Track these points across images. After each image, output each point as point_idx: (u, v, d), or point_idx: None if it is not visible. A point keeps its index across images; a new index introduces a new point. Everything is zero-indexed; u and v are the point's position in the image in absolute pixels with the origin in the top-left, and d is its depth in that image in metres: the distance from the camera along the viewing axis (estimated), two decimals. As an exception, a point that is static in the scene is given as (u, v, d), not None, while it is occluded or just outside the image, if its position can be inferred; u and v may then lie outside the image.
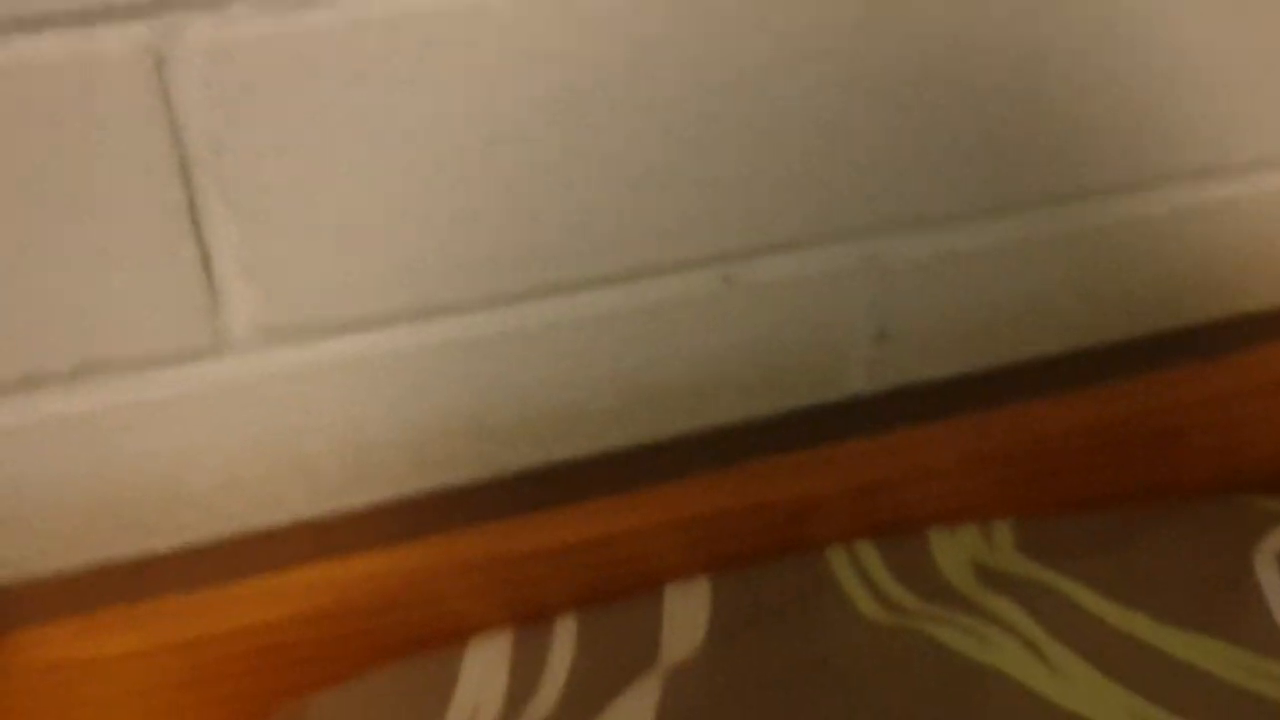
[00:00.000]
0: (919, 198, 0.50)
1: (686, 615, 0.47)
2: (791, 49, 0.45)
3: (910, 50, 0.47)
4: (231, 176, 0.42)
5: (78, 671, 0.44)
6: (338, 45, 0.41)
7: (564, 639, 0.46)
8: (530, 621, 0.48)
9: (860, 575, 0.49)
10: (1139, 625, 0.43)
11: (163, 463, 0.46)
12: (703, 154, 0.47)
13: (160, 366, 0.44)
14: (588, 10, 0.43)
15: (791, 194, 0.49)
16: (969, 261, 0.52)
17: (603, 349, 0.50)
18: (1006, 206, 0.52)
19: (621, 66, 0.44)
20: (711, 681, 0.43)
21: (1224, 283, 0.57)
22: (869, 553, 0.50)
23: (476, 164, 0.44)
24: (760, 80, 0.46)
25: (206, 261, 0.43)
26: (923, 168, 0.50)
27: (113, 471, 0.46)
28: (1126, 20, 0.49)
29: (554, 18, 0.42)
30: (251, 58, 0.40)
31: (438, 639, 0.47)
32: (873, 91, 0.47)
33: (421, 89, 0.42)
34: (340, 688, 0.45)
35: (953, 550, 0.50)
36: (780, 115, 0.47)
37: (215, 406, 0.46)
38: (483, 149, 0.44)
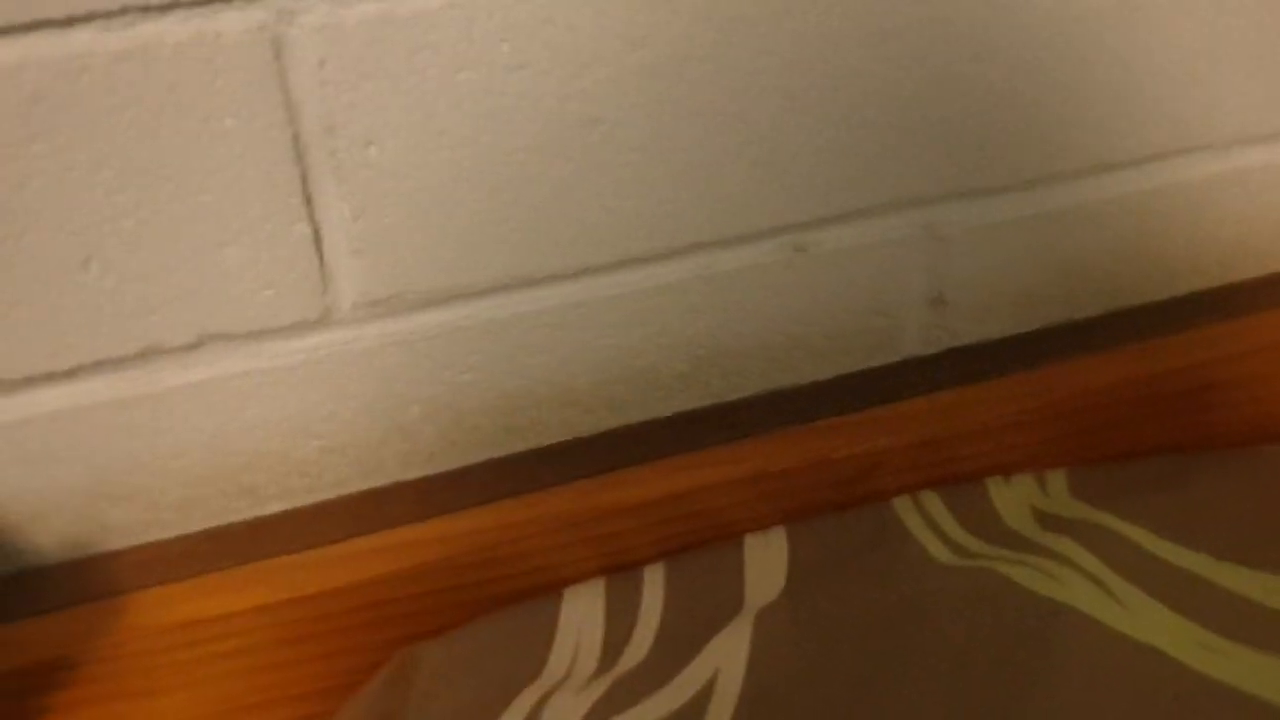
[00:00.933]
0: (973, 170, 0.53)
1: (766, 563, 0.50)
2: (859, 29, 0.48)
3: (968, 29, 0.49)
4: (343, 155, 0.44)
5: (199, 629, 0.46)
6: (446, 28, 0.43)
7: (653, 587, 0.49)
8: (620, 572, 0.50)
9: (927, 522, 0.51)
10: (1199, 563, 0.46)
11: (274, 431, 0.49)
12: (776, 131, 0.49)
13: (273, 339, 0.47)
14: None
15: (856, 166, 0.51)
16: (1018, 229, 0.55)
17: (678, 316, 0.53)
18: (1053, 177, 0.55)
19: (704, 47, 0.47)
20: (797, 623, 0.46)
21: (1256, 246, 0.60)
22: (933, 501, 0.52)
23: (570, 142, 0.47)
24: (829, 57, 0.48)
25: (317, 238, 0.46)
26: (975, 141, 0.52)
27: (227, 441, 0.48)
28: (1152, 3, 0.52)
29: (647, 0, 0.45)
30: (364, 40, 0.43)
31: (535, 590, 0.49)
32: (934, 71, 0.50)
33: (523, 70, 0.45)
34: (448, 636, 0.47)
35: (1011, 497, 0.53)
36: (847, 92, 0.49)
37: (323, 376, 0.48)
38: (578, 128, 0.47)
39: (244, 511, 0.50)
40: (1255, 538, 0.48)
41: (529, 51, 0.45)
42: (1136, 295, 0.59)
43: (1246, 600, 0.45)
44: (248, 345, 0.47)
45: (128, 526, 0.49)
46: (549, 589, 0.50)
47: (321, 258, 0.46)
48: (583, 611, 0.48)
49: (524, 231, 0.48)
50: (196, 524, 0.49)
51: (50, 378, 0.45)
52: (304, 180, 0.44)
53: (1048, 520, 0.51)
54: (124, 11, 0.40)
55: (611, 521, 0.50)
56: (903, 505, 0.52)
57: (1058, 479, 0.54)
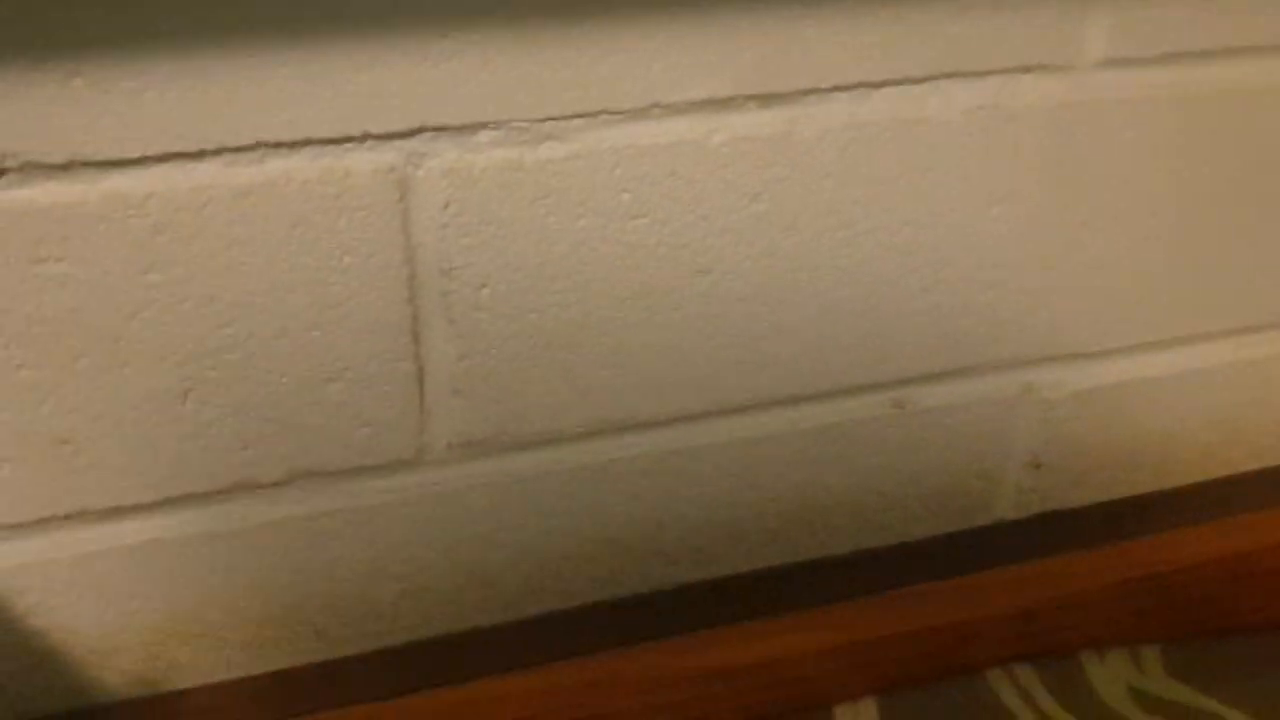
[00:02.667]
0: (1072, 333, 0.52)
1: (859, 737, 0.48)
2: (975, 191, 0.48)
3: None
4: (455, 296, 0.43)
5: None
6: (571, 176, 0.43)
7: (741, 759, 0.47)
8: (705, 740, 0.48)
9: (1023, 697, 0.49)
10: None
11: (355, 570, 0.47)
12: (886, 286, 0.49)
13: (365, 477, 0.45)
14: (795, 149, 0.45)
15: (959, 324, 0.51)
16: (1116, 394, 0.54)
17: (770, 469, 0.51)
18: (1149, 345, 0.54)
19: (820, 202, 0.46)
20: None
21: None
22: (1029, 676, 0.50)
23: (683, 290, 0.46)
24: (942, 215, 0.48)
25: (421, 377, 0.44)
26: (1077, 306, 0.52)
27: (305, 580, 0.46)
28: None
29: (763, 154, 0.45)
30: (490, 185, 0.42)
31: (615, 756, 0.47)
32: (1045, 234, 0.50)
33: (641, 219, 0.44)
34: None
35: (1107, 674, 0.51)
36: (951, 250, 0.49)
37: (409, 517, 0.47)
38: (690, 277, 0.46)
39: (315, 654, 0.48)
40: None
41: (649, 201, 0.44)
42: (1228, 466, 0.58)
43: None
44: (339, 483, 0.45)
45: (195, 665, 0.46)
46: (629, 754, 0.47)
47: (422, 397, 0.45)
48: (666, 781, 0.46)
49: (625, 376, 0.47)
50: (265, 665, 0.47)
51: (137, 509, 0.43)
52: (414, 319, 0.43)
53: (1145, 700, 0.49)
54: (255, 146, 0.39)
55: (696, 685, 0.48)
56: (997, 679, 0.50)
57: (1153, 656, 0.52)
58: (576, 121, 0.42)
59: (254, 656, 0.47)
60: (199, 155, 0.39)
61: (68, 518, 0.43)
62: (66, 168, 0.38)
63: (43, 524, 0.43)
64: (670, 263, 0.46)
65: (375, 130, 0.40)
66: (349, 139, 0.40)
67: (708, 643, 0.49)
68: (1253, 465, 0.59)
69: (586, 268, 0.45)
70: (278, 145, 0.40)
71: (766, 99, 0.44)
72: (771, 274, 0.47)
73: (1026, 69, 0.46)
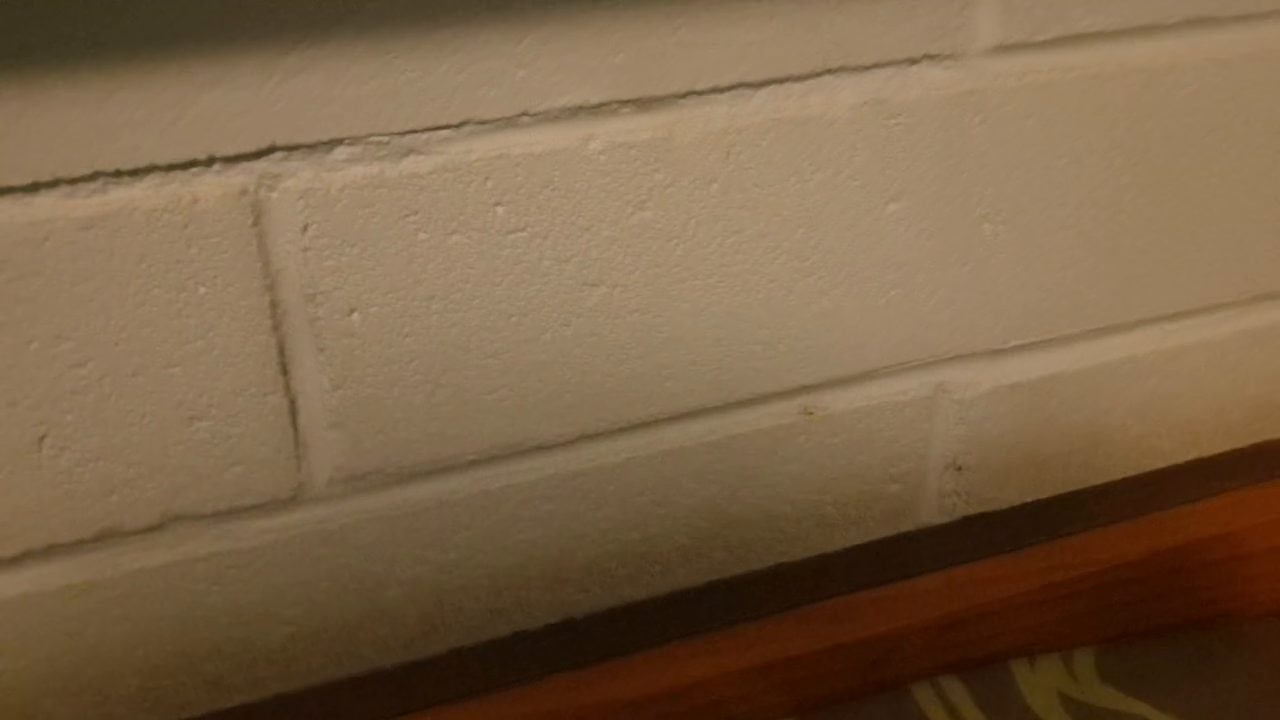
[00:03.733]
0: (984, 330, 0.51)
1: (778, 762, 0.46)
2: (869, 196, 0.46)
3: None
4: (323, 323, 0.41)
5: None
6: (438, 191, 0.41)
7: (655, 791, 0.45)
8: (617, 773, 0.46)
9: (950, 712, 0.48)
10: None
11: (242, 615, 0.44)
12: (784, 291, 0.47)
13: (242, 518, 0.43)
14: (677, 154, 0.43)
15: (865, 326, 0.49)
16: (1035, 390, 0.53)
17: (679, 485, 0.49)
18: (1067, 338, 0.53)
19: (708, 208, 0.44)
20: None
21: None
22: (955, 689, 0.49)
23: (572, 304, 0.44)
24: (834, 215, 0.46)
25: (293, 410, 0.42)
26: (984, 301, 0.50)
27: (189, 628, 0.44)
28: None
29: (644, 160, 0.43)
30: (351, 204, 0.40)
31: (523, 795, 0.45)
32: (954, 230, 0.48)
33: (520, 233, 0.42)
34: None
35: (1038, 682, 0.49)
36: (852, 252, 0.47)
37: (295, 557, 0.44)
38: (576, 290, 0.44)
39: (205, 704, 0.45)
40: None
41: (526, 214, 0.42)
42: (1159, 457, 0.57)
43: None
44: (215, 525, 0.43)
45: (74, 725, 0.44)
46: (537, 792, 0.45)
47: (296, 431, 0.43)
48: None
49: (518, 398, 0.45)
50: (154, 718, 0.45)
51: (-4, 564, 0.41)
52: (281, 349, 0.41)
53: (1077, 709, 0.48)
54: (94, 177, 0.37)
55: (602, 718, 0.46)
56: (923, 693, 0.49)
57: (1085, 660, 0.50)
58: (441, 133, 0.40)
59: (140, 711, 0.45)
60: (33, 188, 0.37)
61: (-78, 577, 0.41)
62: (-112, 208, 0.36)
63: (-104, 585, 0.41)
64: (555, 276, 0.44)
65: (223, 153, 0.38)
66: (195, 163, 0.38)
67: (616, 673, 0.47)
68: (1184, 456, 0.57)
69: (465, 285, 0.43)
70: (118, 174, 0.37)
71: (643, 103, 0.42)
72: (663, 283, 0.45)
73: (913, 60, 0.44)
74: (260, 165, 0.39)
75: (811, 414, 0.50)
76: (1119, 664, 0.50)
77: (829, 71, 0.44)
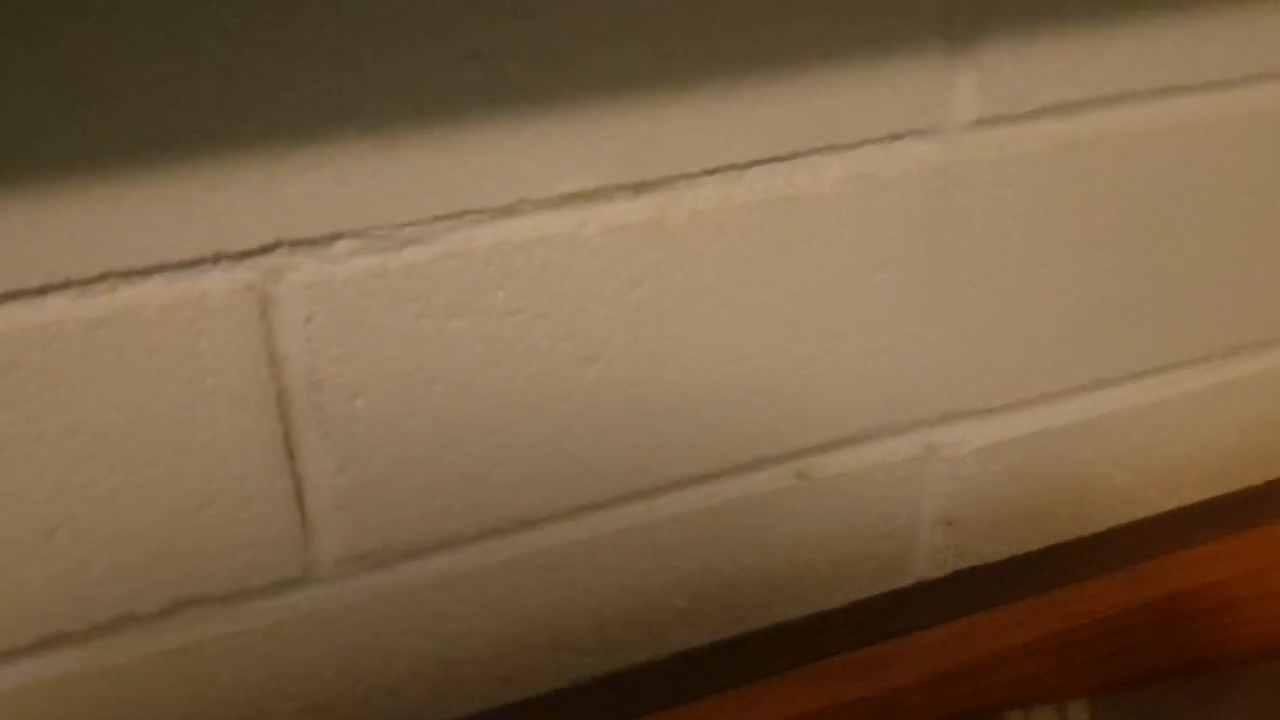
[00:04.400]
0: (970, 390, 0.52)
1: (783, 823, 0.47)
2: (860, 263, 0.48)
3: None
4: (329, 409, 0.42)
5: None
6: (439, 279, 0.42)
7: None
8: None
9: (949, 769, 0.49)
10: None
11: (249, 694, 0.45)
12: (776, 359, 0.48)
13: (252, 599, 0.44)
14: (669, 234, 0.44)
15: (857, 390, 0.50)
16: (1020, 447, 0.54)
17: (679, 551, 0.50)
18: (1052, 396, 0.54)
19: (703, 284, 0.46)
20: None
21: (1265, 450, 0.59)
22: (954, 744, 0.50)
23: (570, 380, 0.45)
24: (828, 283, 0.48)
25: (299, 493, 0.43)
26: (976, 361, 0.51)
27: (199, 709, 0.45)
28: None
29: (638, 241, 0.44)
30: (354, 294, 0.41)
31: None
32: (936, 294, 0.49)
33: (519, 315, 0.43)
34: None
35: (1033, 735, 0.50)
36: (837, 321, 0.48)
37: (303, 635, 0.45)
38: (574, 367, 0.45)
39: (216, 784, 0.46)
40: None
41: (526, 296, 0.44)
42: (1145, 507, 0.58)
43: None
44: (225, 608, 0.44)
45: (88, 808, 0.45)
46: None
47: (304, 514, 0.43)
48: None
49: (519, 473, 0.46)
50: (164, 801, 0.46)
51: (11, 654, 0.42)
52: (287, 436, 0.42)
53: (1073, 758, 0.49)
54: (103, 278, 0.38)
55: (614, 781, 0.47)
56: (922, 749, 0.50)
57: (1079, 711, 0.51)
58: (442, 224, 0.42)
59: (150, 792, 0.45)
60: (43, 290, 0.38)
61: (-64, 669, 0.41)
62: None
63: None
64: (553, 354, 0.45)
65: (230, 250, 0.39)
66: (202, 260, 0.39)
67: (622, 737, 0.48)
68: (1170, 504, 0.59)
69: (465, 367, 0.44)
70: (128, 274, 0.39)
71: (636, 187, 0.43)
72: (659, 357, 0.46)
73: (896, 136, 0.46)
74: (266, 260, 0.40)
75: (805, 477, 0.51)
76: (1112, 713, 0.51)
77: (814, 151, 0.45)
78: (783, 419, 0.50)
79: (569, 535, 0.48)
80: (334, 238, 0.40)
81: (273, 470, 0.43)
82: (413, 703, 0.48)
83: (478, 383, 0.44)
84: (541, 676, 0.50)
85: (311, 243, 0.40)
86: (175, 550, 0.42)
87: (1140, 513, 0.58)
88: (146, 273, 0.39)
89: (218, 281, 0.40)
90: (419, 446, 0.44)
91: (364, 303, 0.42)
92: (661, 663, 0.52)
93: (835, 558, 0.53)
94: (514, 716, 0.49)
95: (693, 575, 0.51)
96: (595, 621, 0.50)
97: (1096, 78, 0.48)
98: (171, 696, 0.44)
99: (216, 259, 0.39)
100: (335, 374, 0.42)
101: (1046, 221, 0.50)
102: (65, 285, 0.38)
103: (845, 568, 0.54)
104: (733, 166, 0.44)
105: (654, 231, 0.44)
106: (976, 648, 0.51)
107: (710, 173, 0.44)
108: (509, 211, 0.42)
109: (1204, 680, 0.53)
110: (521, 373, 0.45)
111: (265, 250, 0.40)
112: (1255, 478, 0.59)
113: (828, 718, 0.49)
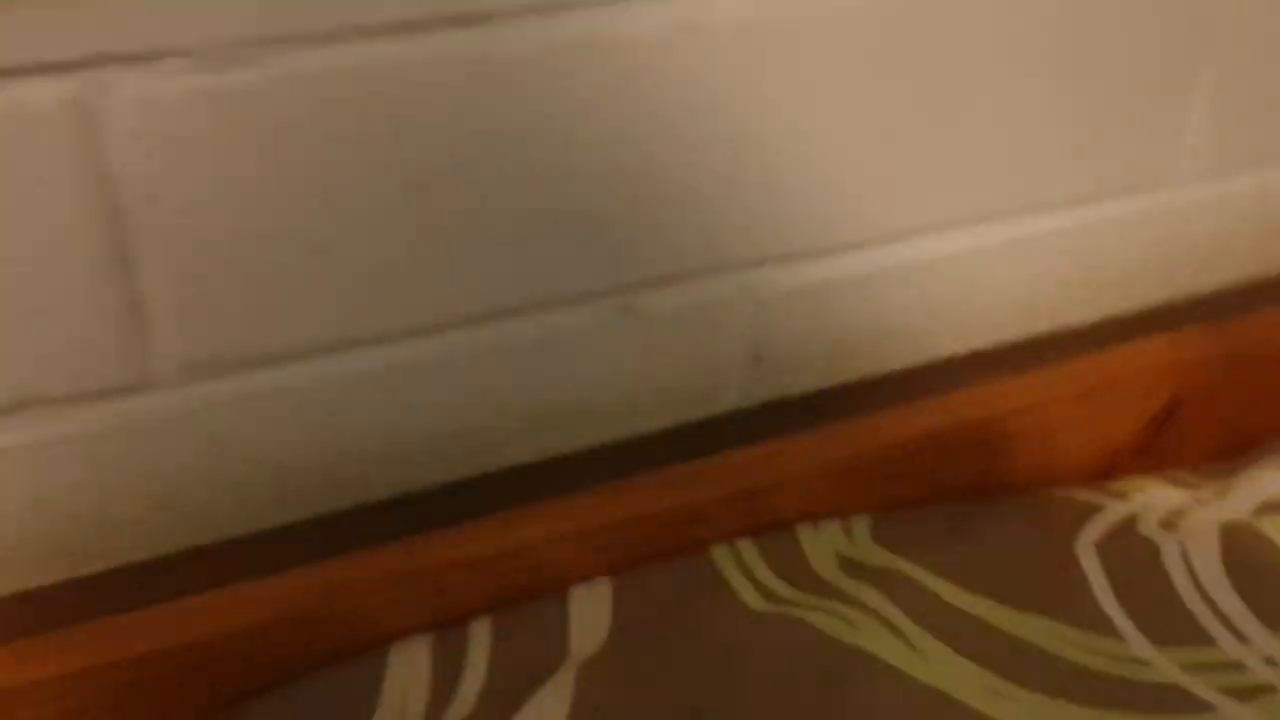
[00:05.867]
0: (783, 236, 0.57)
1: (591, 615, 0.52)
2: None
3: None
4: (165, 225, 0.44)
5: (12, 698, 0.45)
6: (264, 101, 0.44)
7: (480, 641, 0.50)
8: (447, 627, 0.52)
9: (743, 570, 0.54)
10: (983, 608, 0.50)
11: (96, 491, 0.48)
12: (604, 196, 0.52)
13: (93, 401, 0.46)
14: (496, 68, 0.47)
15: (678, 233, 0.54)
16: (827, 291, 0.59)
17: (508, 376, 0.54)
18: (860, 243, 0.59)
19: (522, 121, 0.48)
20: (618, 674, 0.48)
21: (1047, 303, 0.65)
22: (749, 550, 0.55)
23: (394, 209, 0.48)
24: (652, 128, 0.51)
25: (137, 305, 0.45)
26: (789, 211, 0.56)
27: (45, 503, 0.47)
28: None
29: (468, 71, 0.47)
30: (181, 112, 0.43)
31: (363, 647, 0.50)
32: (748, 146, 0.53)
33: (343, 141, 0.46)
34: (272, 695, 0.48)
35: (820, 544, 0.56)
36: (657, 163, 0.52)
37: (147, 438, 0.48)
38: (400, 195, 0.48)
39: (61, 573, 0.49)
40: (1036, 583, 0.52)
41: (355, 121, 0.46)
42: (938, 350, 0.64)
43: (1028, 644, 0.49)
44: (67, 409, 0.46)
45: (-65, 593, 0.47)
46: (376, 646, 0.51)
47: (141, 323, 0.46)
48: (408, 667, 0.49)
49: (348, 294, 0.49)
50: (9, 588, 0.49)
51: None
52: (124, 246, 0.44)
53: (852, 567, 0.54)
54: (-70, 82, 0.39)
55: (440, 578, 0.52)
56: (720, 554, 0.55)
57: (862, 525, 0.57)
58: (269, 46, 0.43)
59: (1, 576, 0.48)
60: None
61: None
62: None
63: None
64: (383, 182, 0.48)
65: (53, 59, 0.41)
66: (24, 70, 0.40)
67: (449, 538, 0.52)
68: (960, 348, 0.65)
69: (293, 187, 0.46)
70: (-50, 81, 0.40)
71: (464, 19, 0.46)
72: (490, 186, 0.49)
73: None
74: (91, 74, 0.41)
75: (630, 312, 0.55)
76: (891, 529, 0.57)
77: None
78: (608, 256, 0.53)
79: (399, 357, 0.52)
80: (162, 54, 0.42)
81: (109, 283, 0.45)
82: (253, 504, 0.52)
83: (305, 203, 0.47)
84: (375, 486, 0.54)
85: (139, 57, 0.42)
86: (15, 351, 0.45)
87: (933, 355, 0.64)
88: (-33, 81, 0.40)
89: (41, 92, 0.41)
90: (250, 262, 0.47)
91: (193, 122, 0.43)
92: (493, 475, 0.56)
93: (655, 387, 0.58)
94: (350, 520, 0.53)
95: (519, 401, 0.55)
96: (427, 436, 0.54)
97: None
98: (9, 493, 0.47)
99: (41, 68, 0.41)
100: (169, 191, 0.44)
101: (853, 76, 0.54)
102: (-108, 88, 0.39)
103: (664, 396, 0.58)
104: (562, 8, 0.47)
105: (480, 64, 0.47)
106: (775, 468, 0.57)
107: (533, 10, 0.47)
108: (333, 37, 0.44)
109: (973, 505, 0.59)
110: (348, 196, 0.47)
111: (91, 63, 0.41)
112: (1035, 328, 0.66)
113: (637, 526, 0.54)
